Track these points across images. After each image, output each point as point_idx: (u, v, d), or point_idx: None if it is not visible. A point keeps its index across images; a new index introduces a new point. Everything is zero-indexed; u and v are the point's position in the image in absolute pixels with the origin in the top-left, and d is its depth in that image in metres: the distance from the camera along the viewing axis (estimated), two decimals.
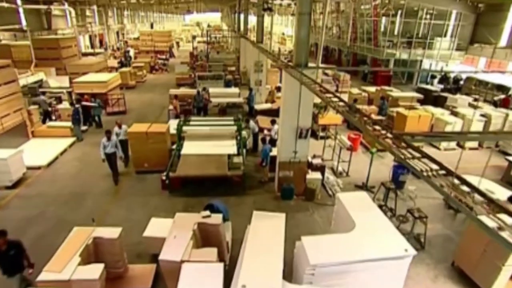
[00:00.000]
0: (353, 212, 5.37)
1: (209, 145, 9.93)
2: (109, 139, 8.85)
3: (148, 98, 18.68)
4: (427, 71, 24.14)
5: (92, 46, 36.39)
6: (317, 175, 8.83)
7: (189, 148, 9.78)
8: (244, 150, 10.18)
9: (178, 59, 30.98)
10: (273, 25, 53.61)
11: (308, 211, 8.26)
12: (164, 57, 31.92)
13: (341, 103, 4.94)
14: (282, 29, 57.50)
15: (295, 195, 8.75)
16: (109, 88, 16.19)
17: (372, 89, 17.71)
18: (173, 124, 12.16)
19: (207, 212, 5.71)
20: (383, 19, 25.37)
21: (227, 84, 19.96)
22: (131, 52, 31.47)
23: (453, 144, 12.47)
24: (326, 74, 22.56)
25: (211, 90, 16.32)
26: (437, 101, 15.81)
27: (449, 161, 11.01)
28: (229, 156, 9.36)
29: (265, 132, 11.36)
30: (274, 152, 9.54)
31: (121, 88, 20.15)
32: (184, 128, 10.11)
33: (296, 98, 7.48)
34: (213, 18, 71.63)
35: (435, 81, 22.53)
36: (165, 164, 9.39)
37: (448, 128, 12.07)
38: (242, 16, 23.33)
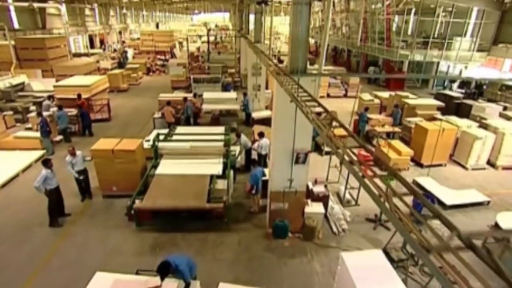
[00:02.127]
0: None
1: (190, 163, 8.32)
2: (50, 169, 6.96)
3: (139, 103, 17.17)
4: (451, 77, 21.92)
5: (92, 46, 35.33)
6: (318, 207, 7.09)
7: (166, 167, 8.18)
8: (232, 172, 8.50)
9: (179, 60, 29.43)
10: (280, 25, 51.81)
11: (305, 255, 6.53)
12: (163, 57, 30.49)
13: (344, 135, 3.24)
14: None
15: (291, 232, 7.03)
16: (93, 92, 14.70)
17: (385, 94, 15.83)
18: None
19: (156, 281, 4.06)
20: (396, 17, 23.45)
21: (226, 88, 18.34)
22: (129, 53, 30.17)
23: (482, 161, 10.58)
24: (334, 77, 20.73)
25: (205, 95, 14.73)
26: (460, 109, 13.84)
27: (479, 184, 9.12)
28: (211, 180, 7.70)
29: (254, 146, 9.68)
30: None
31: (112, 91, 18.78)
32: (161, 144, 8.52)
33: (291, 113, 5.76)
34: (220, 18, 70.19)
35: (455, 85, 20.48)
36: (135, 186, 7.78)
37: (478, 144, 10.17)
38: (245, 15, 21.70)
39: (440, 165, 10.64)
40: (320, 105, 4.02)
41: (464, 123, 11.25)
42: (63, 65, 18.13)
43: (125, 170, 8.01)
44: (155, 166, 8.37)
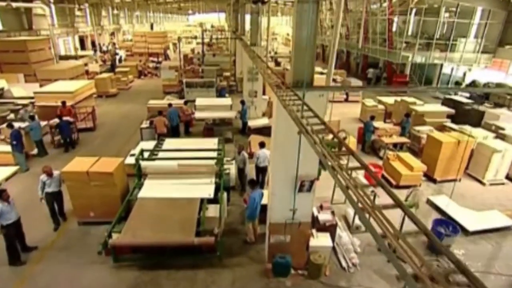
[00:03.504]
0: None
1: (177, 184, 7.33)
2: (7, 201, 5.79)
3: (127, 110, 16.10)
4: (470, 90, 20.93)
5: (83, 48, 34.15)
6: (325, 240, 6.12)
7: (150, 189, 7.17)
8: (225, 194, 7.50)
9: (172, 63, 28.28)
10: (276, 26, 50.73)
11: None
12: (156, 60, 29.37)
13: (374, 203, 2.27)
14: (286, 29, 54.87)
15: (293, 268, 6.05)
16: (78, 99, 13.63)
17: (390, 100, 14.89)
18: (144, 147, 9.68)
19: None
20: (396, 18, 22.60)
21: (220, 93, 17.32)
22: (122, 55, 29.07)
23: (501, 176, 9.66)
24: (333, 81, 19.80)
25: (198, 101, 13.68)
26: (470, 116, 12.93)
27: (500, 203, 8.11)
28: (202, 205, 6.70)
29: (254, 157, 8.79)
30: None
31: (100, 96, 17.74)
32: (144, 164, 7.50)
33: (294, 134, 4.78)
34: (216, 18, 69.17)
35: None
36: (115, 212, 6.75)
37: (497, 157, 9.26)
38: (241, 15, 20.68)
39: (454, 180, 9.70)
40: (340, 141, 3.03)
41: (479, 133, 10.34)
42: (47, 69, 16.99)
43: (103, 194, 6.99)
44: (139, 187, 7.36)
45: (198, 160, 7.67)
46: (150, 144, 9.54)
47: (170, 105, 12.34)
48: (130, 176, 8.06)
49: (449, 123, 12.13)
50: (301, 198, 5.54)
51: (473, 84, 18.38)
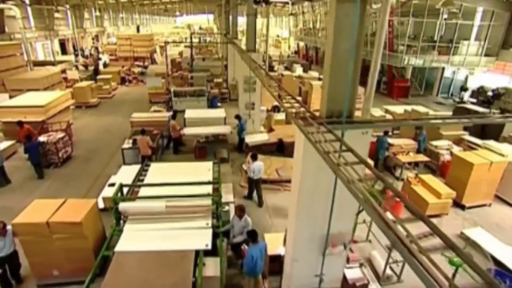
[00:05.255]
0: None
1: (165, 230, 5.86)
2: None
3: (109, 123, 14.45)
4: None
5: (64, 53, 32.14)
6: None
7: (130, 239, 5.66)
8: (225, 242, 6.07)
9: (159, 68, 26.57)
10: (269, 26, 49.80)
11: None
12: (142, 64, 27.63)
13: None
14: (276, 30, 53.85)
15: None
16: (51, 113, 11.98)
17: (398, 108, 13.73)
18: (126, 173, 8.27)
19: None
20: (394, 19, 21.64)
21: (212, 102, 15.86)
22: (105, 59, 27.25)
23: None
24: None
25: (188, 113, 12.16)
26: (486, 128, 11.85)
27: None
28: (197, 259, 5.26)
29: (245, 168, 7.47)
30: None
31: (80, 107, 16.10)
32: (123, 206, 5.97)
33: (326, 183, 3.44)
34: (205, 20, 67.54)
35: (466, 94, 18.64)
36: (88, 268, 5.27)
37: None
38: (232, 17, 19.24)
39: (484, 205, 8.54)
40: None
41: (508, 150, 9.18)
42: (17, 78, 15.20)
43: (69, 248, 5.48)
44: (117, 234, 5.85)
45: (190, 198, 6.20)
46: (133, 169, 8.07)
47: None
48: (108, 212, 6.57)
49: (467, 136, 11.01)
50: (330, 261, 4.19)
51: (481, 89, 17.39)
